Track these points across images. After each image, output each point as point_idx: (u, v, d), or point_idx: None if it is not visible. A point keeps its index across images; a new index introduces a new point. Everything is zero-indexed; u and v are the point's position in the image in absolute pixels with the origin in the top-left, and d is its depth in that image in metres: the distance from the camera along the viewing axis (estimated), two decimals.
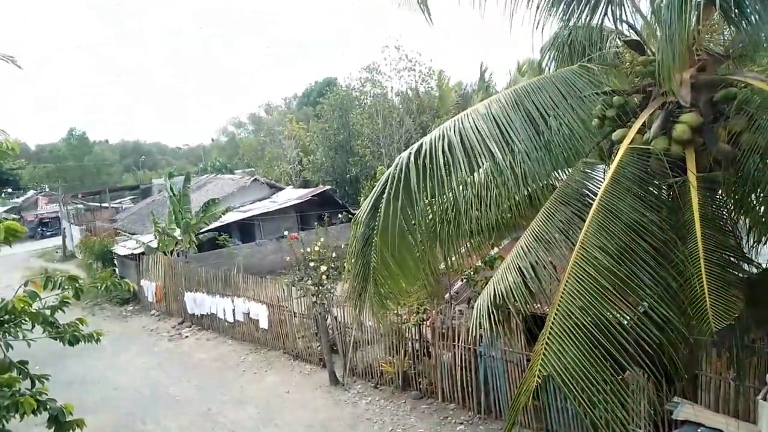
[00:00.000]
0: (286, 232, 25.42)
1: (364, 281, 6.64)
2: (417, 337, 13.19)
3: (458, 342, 12.12)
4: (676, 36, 4.56)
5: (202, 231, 24.77)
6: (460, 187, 6.07)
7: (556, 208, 6.02)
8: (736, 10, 5.41)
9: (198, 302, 19.94)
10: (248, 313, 17.69)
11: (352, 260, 6.74)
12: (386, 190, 6.10)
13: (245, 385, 15.00)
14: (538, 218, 6.20)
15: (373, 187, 6.64)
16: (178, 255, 23.88)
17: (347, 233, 7.24)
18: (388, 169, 6.39)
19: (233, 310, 18.18)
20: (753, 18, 5.29)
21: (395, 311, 12.77)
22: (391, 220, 5.91)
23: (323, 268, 14.96)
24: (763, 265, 5.94)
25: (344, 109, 37.33)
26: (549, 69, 7.83)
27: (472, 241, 7.18)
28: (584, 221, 5.39)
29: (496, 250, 10.15)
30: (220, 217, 25.03)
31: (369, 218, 6.42)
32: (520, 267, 5.85)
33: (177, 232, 24.18)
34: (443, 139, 6.00)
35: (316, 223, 25.09)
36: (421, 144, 6.21)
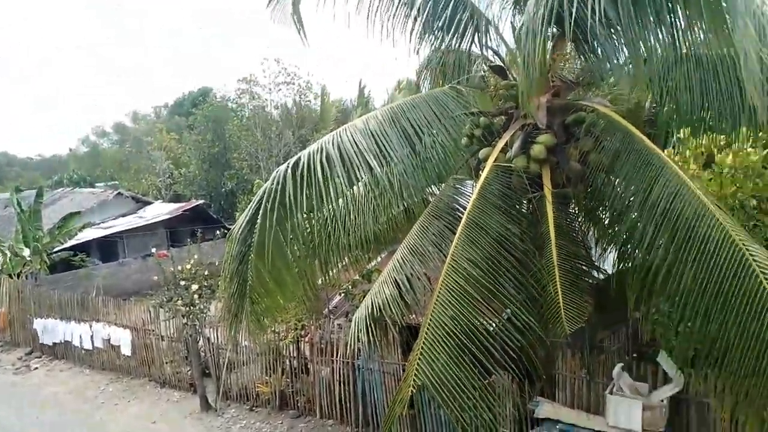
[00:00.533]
0: (153, 250, 23.84)
1: (240, 299, 6.40)
2: (295, 354, 12.96)
3: (337, 357, 12.08)
4: (534, 64, 4.97)
5: (55, 250, 22.47)
6: (339, 200, 6.10)
7: (429, 221, 6.26)
8: (585, 44, 6.02)
9: (50, 329, 17.98)
10: (109, 339, 16.27)
11: (227, 278, 6.47)
12: (263, 205, 5.95)
13: (105, 418, 13.73)
14: (413, 232, 6.40)
15: (250, 202, 6.45)
16: (27, 277, 21.43)
17: (222, 250, 6.95)
18: (266, 182, 6.25)
19: (91, 336, 16.62)
20: (599, 51, 5.93)
21: (273, 329, 12.47)
22: (268, 235, 5.77)
23: (195, 287, 14.21)
24: (609, 272, 6.61)
25: (219, 120, 36.13)
26: (424, 89, 8.18)
27: (350, 254, 7.22)
28: (455, 234, 5.66)
29: (373, 263, 10.31)
30: (76, 234, 22.89)
31: (245, 234, 6.21)
32: (396, 279, 5.99)
33: (26, 252, 21.72)
34: (322, 153, 6.00)
35: (188, 240, 23.87)
36: (300, 157, 6.16)
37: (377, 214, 6.37)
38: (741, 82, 5.46)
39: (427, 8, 7.00)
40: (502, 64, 7.08)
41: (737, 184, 10.28)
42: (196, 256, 15.69)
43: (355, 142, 5.83)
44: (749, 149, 10.17)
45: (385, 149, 5.87)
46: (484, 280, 5.00)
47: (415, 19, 7.09)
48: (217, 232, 23.45)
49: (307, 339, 12.99)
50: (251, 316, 6.32)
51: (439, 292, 5.02)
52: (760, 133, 9.27)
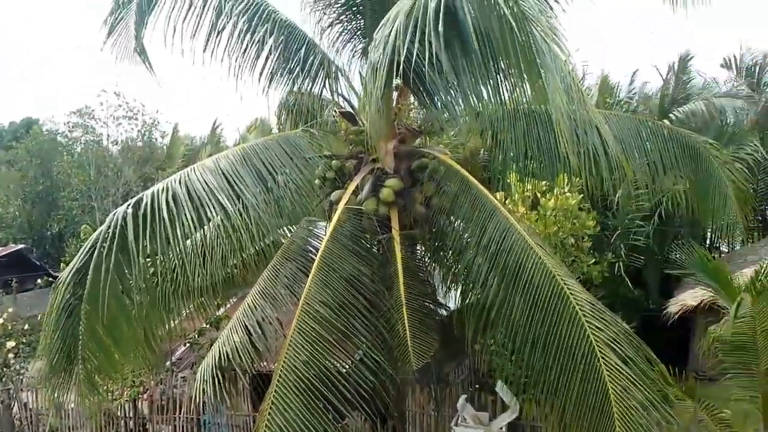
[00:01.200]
0: None
1: (67, 357, 5.69)
2: (132, 414, 11.78)
3: (180, 413, 11.22)
4: (382, 112, 5.24)
5: None
6: (188, 241, 5.76)
7: (282, 264, 6.18)
8: (426, 95, 6.48)
9: None
10: None
11: (51, 333, 5.72)
12: (98, 249, 5.40)
13: None
14: (265, 275, 6.27)
15: (81, 247, 5.84)
16: None
17: (47, 300, 6.16)
18: (101, 225, 5.70)
19: None
20: (439, 103, 6.41)
21: (106, 388, 11.22)
22: (103, 282, 5.22)
23: (11, 344, 12.39)
24: (452, 309, 7.01)
25: (46, 155, 32.52)
26: (277, 130, 8.17)
27: (198, 300, 6.85)
28: (308, 276, 5.64)
29: (222, 309, 9.86)
30: None
31: (75, 283, 5.58)
32: (246, 325, 5.79)
33: None
34: (168, 192, 5.63)
35: (0, 291, 20.79)
36: (143, 197, 5.74)
37: (228, 256, 6.15)
38: (557, 134, 6.23)
39: (279, 50, 7.07)
40: (352, 111, 7.35)
41: (558, 225, 11.63)
42: (11, 309, 13.76)
43: (206, 182, 5.60)
44: (568, 194, 11.63)
45: (239, 188, 5.71)
46: (337, 322, 5.03)
47: (266, 59, 7.13)
48: (39, 281, 20.75)
49: (145, 396, 11.92)
50: (81, 375, 5.63)
51: (292, 336, 4.94)
52: (576, 179, 10.63)
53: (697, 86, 17.94)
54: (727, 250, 18.76)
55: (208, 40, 6.89)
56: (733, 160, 8.96)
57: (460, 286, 6.33)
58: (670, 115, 16.00)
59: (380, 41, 4.44)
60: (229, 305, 9.60)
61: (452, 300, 7.05)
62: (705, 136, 15.47)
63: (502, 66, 4.80)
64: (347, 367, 4.93)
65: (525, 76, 4.49)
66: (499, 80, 5.02)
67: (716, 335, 6.80)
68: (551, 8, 6.97)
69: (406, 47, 4.21)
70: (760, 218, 19.46)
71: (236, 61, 6.96)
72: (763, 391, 6.55)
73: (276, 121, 8.40)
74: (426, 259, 6.97)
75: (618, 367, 4.33)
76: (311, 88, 7.40)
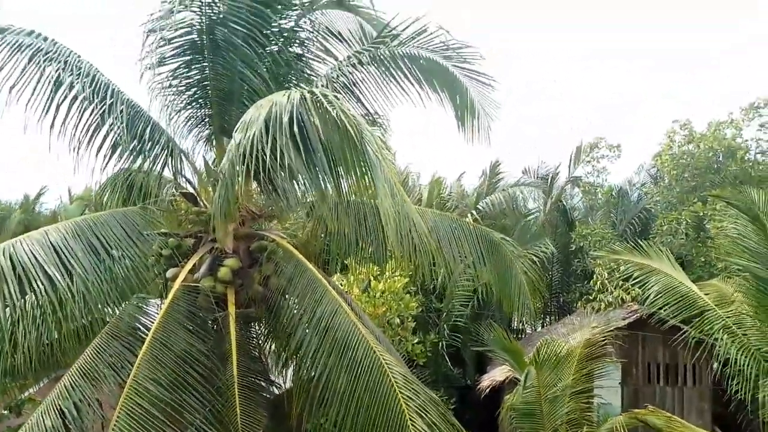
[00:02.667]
0: None
1: None
2: None
3: None
4: (226, 197, 5.63)
5: None
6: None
7: (107, 342, 6.02)
8: (269, 183, 6.99)
9: None
10: None
11: None
12: None
13: None
14: (87, 353, 6.02)
15: None
16: None
17: None
18: None
19: None
20: (279, 191, 6.94)
21: None
22: None
23: None
24: (285, 386, 7.26)
25: None
26: (108, 205, 7.98)
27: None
28: (136, 355, 5.58)
29: (27, 393, 8.88)
30: None
31: None
32: (61, 407, 5.48)
33: None
34: None
35: None
36: None
37: (45, 332, 5.84)
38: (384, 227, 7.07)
39: (122, 127, 7.13)
40: (193, 192, 7.58)
41: (387, 306, 12.58)
42: None
43: (33, 253, 5.39)
44: (396, 277, 12.72)
45: (69, 263, 5.58)
46: (169, 399, 5.04)
47: (106, 135, 7.15)
48: None
49: None
50: None
51: (118, 417, 4.83)
52: (406, 265, 11.72)
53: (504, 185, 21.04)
54: (530, 332, 21.34)
55: (45, 109, 6.78)
56: (528, 254, 10.71)
57: (293, 364, 6.67)
58: (478, 206, 18.43)
59: (239, 142, 4.96)
60: (34, 388, 8.70)
61: (287, 378, 7.32)
62: (512, 230, 18.16)
63: (341, 168, 5.54)
64: None
65: (359, 178, 5.27)
66: (338, 177, 5.74)
67: (510, 404, 7.88)
68: (384, 127, 8.20)
69: (261, 149, 4.74)
70: (556, 303, 22.64)
71: (75, 134, 6.90)
72: None
73: (105, 197, 8.16)
74: (262, 338, 7.21)
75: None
76: (152, 167, 7.50)
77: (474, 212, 17.60)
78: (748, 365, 7.40)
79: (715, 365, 7.83)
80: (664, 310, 7.81)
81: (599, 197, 21.61)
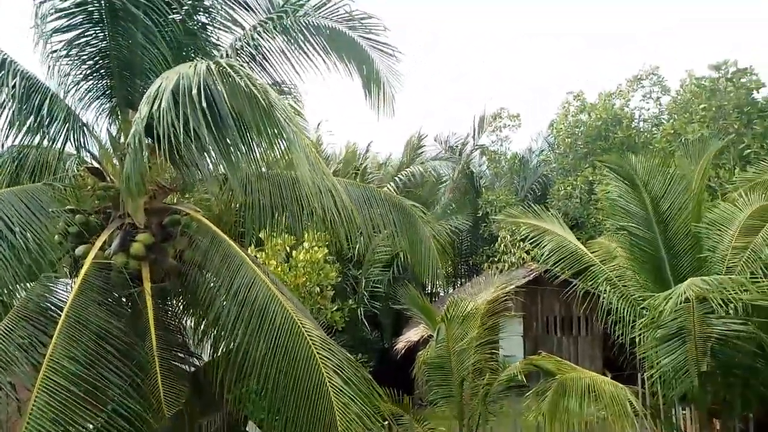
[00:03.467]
0: None
1: None
2: None
3: None
4: (135, 171, 5.56)
5: None
6: None
7: (16, 323, 5.84)
8: (179, 156, 6.91)
9: None
10: None
11: None
12: None
13: None
14: None
15: None
16: None
17: None
18: None
19: None
20: (190, 164, 6.89)
21: None
22: None
23: None
24: (205, 359, 7.36)
25: None
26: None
27: None
28: (49, 335, 5.49)
29: None
30: None
31: None
32: None
33: None
34: None
35: None
36: None
37: None
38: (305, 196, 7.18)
39: (15, 102, 6.76)
40: (99, 166, 7.34)
41: (307, 276, 12.81)
42: None
43: None
44: (316, 248, 12.93)
45: None
46: (87, 376, 5.04)
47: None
48: None
49: None
50: None
51: (37, 396, 4.79)
52: (324, 235, 11.93)
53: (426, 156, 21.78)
54: (443, 294, 22.45)
55: None
56: (437, 221, 11.28)
57: (212, 336, 6.77)
58: (396, 178, 18.99)
59: (145, 114, 4.91)
60: None
61: (205, 351, 7.41)
62: (429, 201, 18.88)
63: (254, 137, 5.62)
64: (103, 419, 4.97)
65: (271, 147, 5.40)
66: (251, 149, 5.83)
67: (423, 359, 8.47)
68: (295, 96, 8.27)
69: (169, 122, 4.74)
70: (466, 266, 23.89)
71: None
72: (457, 400, 8.36)
73: None
74: (179, 311, 7.24)
75: (341, 388, 5.35)
76: (53, 144, 7.17)
77: (392, 183, 18.11)
78: (627, 312, 8.42)
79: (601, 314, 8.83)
80: (557, 267, 8.64)
81: (503, 165, 22.84)
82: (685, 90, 16.65)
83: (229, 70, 4.85)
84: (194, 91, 4.71)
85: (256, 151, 6.08)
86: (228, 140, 5.67)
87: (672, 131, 14.92)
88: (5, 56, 6.73)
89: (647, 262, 8.17)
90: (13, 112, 6.67)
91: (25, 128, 6.84)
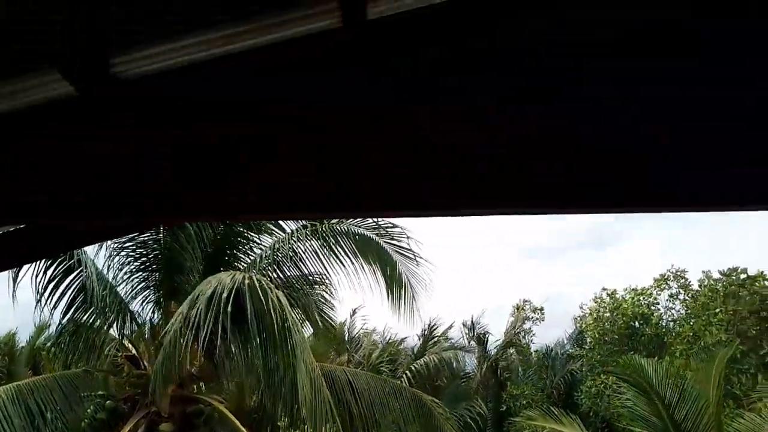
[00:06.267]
0: None
1: None
2: None
3: None
4: (171, 363, 6.12)
5: None
6: None
7: None
8: (212, 348, 7.47)
9: None
10: None
11: None
12: None
13: None
14: None
15: None
16: None
17: None
18: None
19: None
20: (218, 357, 7.40)
21: None
22: None
23: None
24: None
25: None
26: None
27: None
28: None
29: None
30: None
31: None
32: None
33: None
34: None
35: None
36: None
37: None
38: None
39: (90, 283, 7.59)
40: (136, 353, 7.90)
41: None
42: None
43: None
44: None
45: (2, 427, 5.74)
46: None
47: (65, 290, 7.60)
48: None
49: None
50: None
51: None
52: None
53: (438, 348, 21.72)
54: None
55: None
56: (453, 416, 11.09)
57: None
58: (411, 367, 18.90)
59: (186, 313, 5.65)
60: None
61: None
62: (445, 389, 18.50)
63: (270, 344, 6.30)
64: None
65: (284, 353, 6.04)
66: (267, 351, 6.44)
67: None
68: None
69: (205, 322, 5.44)
70: None
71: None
72: None
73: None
74: None
75: None
76: (102, 326, 7.87)
77: (408, 372, 18.02)
78: None
79: None
80: None
81: (532, 358, 22.48)
82: (703, 291, 16.95)
83: (256, 285, 5.69)
84: (225, 297, 5.47)
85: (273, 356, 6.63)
86: (247, 342, 6.32)
87: (691, 333, 14.94)
88: (81, 255, 7.74)
89: None
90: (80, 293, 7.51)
91: (84, 310, 7.62)
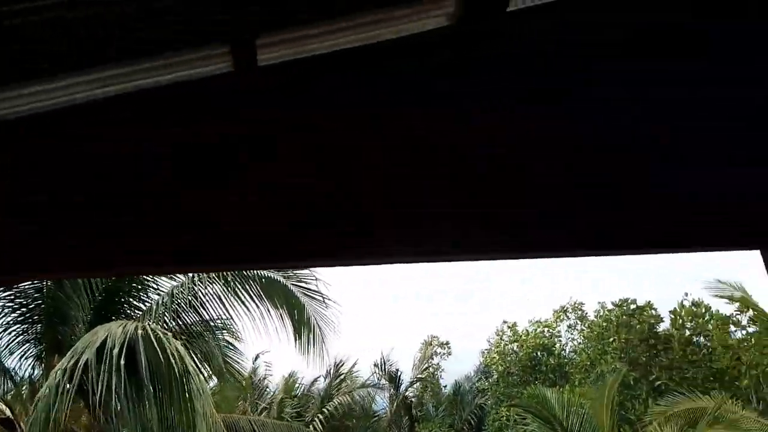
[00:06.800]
0: None
1: None
2: None
3: None
4: (50, 420, 5.57)
5: None
6: None
7: None
8: (97, 407, 6.85)
9: None
10: None
11: None
12: None
13: None
14: None
15: None
16: None
17: None
18: None
19: None
20: (107, 414, 6.80)
21: None
22: None
23: None
24: None
25: None
26: None
27: None
28: None
29: None
30: None
31: None
32: None
33: None
34: None
35: None
36: None
37: None
38: None
39: None
40: (11, 416, 7.10)
41: None
42: None
43: None
44: None
45: None
46: None
47: None
48: None
49: None
50: None
51: None
52: None
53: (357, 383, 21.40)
54: None
55: None
56: None
57: None
58: (324, 409, 18.43)
59: (67, 366, 5.16)
60: None
61: None
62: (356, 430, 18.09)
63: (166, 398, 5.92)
64: None
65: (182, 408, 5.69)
66: (162, 406, 6.03)
67: None
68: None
69: (91, 376, 5.00)
70: None
71: None
72: None
73: None
74: None
75: None
76: None
77: (320, 415, 17.50)
78: None
79: None
80: None
81: (442, 394, 22.67)
82: (598, 322, 18.03)
83: (150, 335, 5.35)
84: (116, 351, 5.08)
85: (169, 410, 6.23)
86: (143, 396, 5.89)
87: (588, 362, 15.78)
88: None
89: None
90: None
91: None
